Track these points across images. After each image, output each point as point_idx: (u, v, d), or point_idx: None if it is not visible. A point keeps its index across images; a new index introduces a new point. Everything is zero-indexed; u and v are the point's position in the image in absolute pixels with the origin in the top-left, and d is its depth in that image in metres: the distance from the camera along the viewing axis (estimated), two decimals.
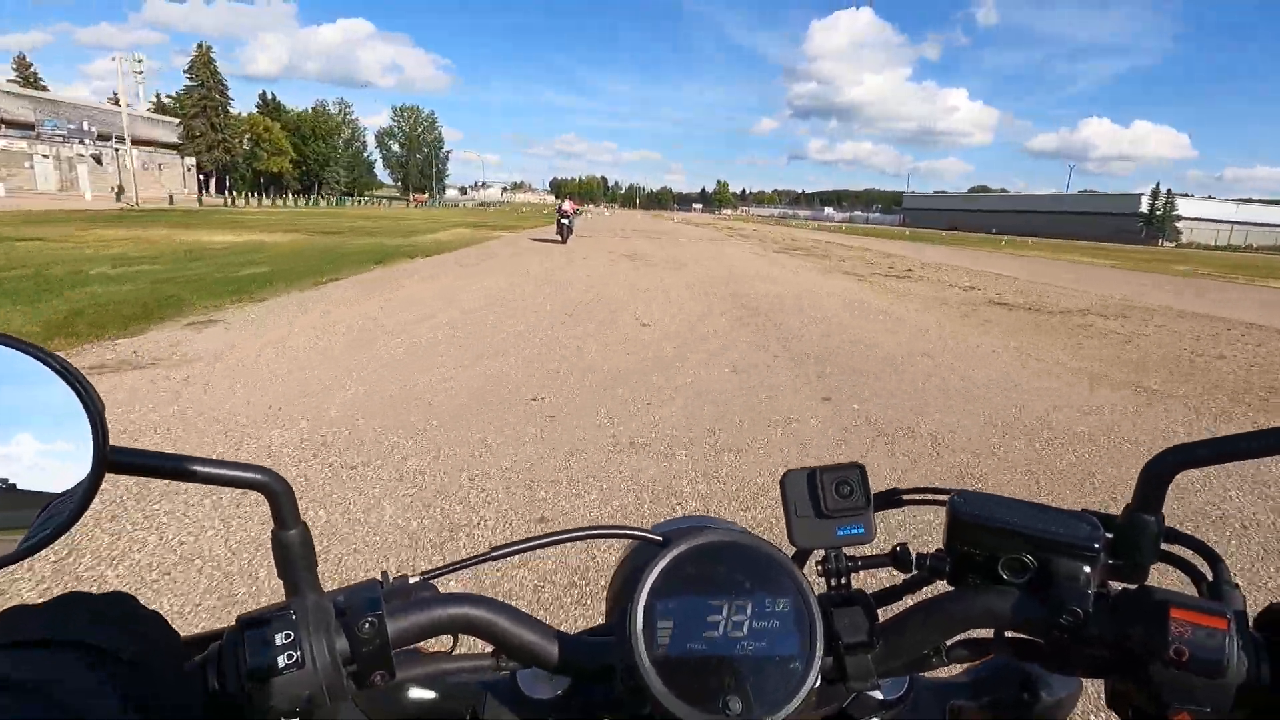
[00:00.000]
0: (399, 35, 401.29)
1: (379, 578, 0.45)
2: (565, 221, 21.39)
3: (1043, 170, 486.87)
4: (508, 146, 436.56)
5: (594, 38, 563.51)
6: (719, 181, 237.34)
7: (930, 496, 0.51)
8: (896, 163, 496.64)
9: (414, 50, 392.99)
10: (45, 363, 0.34)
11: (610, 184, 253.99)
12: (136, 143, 60.29)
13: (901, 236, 52.31)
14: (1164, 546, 0.44)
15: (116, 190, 49.81)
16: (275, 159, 76.70)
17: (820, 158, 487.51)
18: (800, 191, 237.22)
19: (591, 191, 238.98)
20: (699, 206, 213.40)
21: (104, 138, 54.13)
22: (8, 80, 67.53)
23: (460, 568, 0.48)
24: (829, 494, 0.48)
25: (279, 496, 0.41)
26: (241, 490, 0.67)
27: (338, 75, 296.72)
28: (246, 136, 74.86)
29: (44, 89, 73.37)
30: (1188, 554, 0.46)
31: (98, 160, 53.03)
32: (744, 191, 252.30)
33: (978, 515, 0.44)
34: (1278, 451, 0.39)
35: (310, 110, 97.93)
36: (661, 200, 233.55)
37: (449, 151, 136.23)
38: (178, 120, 67.74)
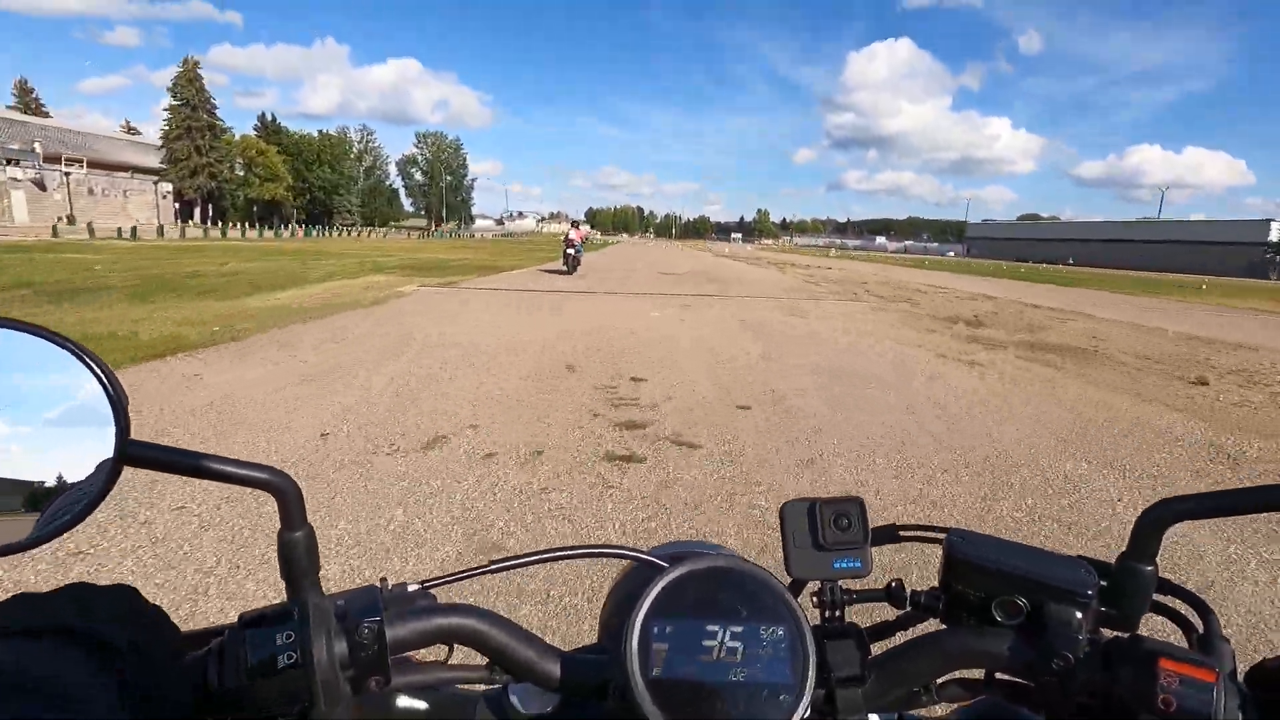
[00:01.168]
0: (445, 73, 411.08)
1: (378, 584, 0.45)
2: (571, 251, 19.47)
3: (1090, 198, 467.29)
4: (549, 178, 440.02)
5: (635, 71, 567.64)
6: (759, 210, 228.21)
7: (928, 534, 0.51)
8: (938, 192, 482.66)
9: (459, 87, 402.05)
10: (75, 354, 0.36)
11: (645, 213, 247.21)
12: (103, 166, 53.85)
13: (977, 270, 41.85)
14: (1156, 597, 0.44)
15: (67, 218, 43.15)
16: (269, 185, 69.88)
17: (859, 187, 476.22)
18: (846, 220, 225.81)
19: (626, 221, 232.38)
20: (738, 236, 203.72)
21: (54, 160, 47.47)
22: (6, 107, 62.83)
23: (459, 578, 0.48)
24: (828, 527, 0.48)
25: (287, 497, 0.42)
26: None
27: (389, 112, 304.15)
28: (238, 161, 68.37)
29: (45, 114, 68.94)
30: (1181, 605, 0.46)
31: (39, 185, 46.00)
32: (784, 220, 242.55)
33: (973, 556, 0.44)
34: (1275, 508, 0.39)
35: (316, 134, 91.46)
36: (699, 229, 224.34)
37: (474, 180, 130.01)
38: (159, 144, 61.51)
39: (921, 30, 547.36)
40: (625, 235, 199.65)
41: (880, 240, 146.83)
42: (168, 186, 60.32)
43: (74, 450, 0.37)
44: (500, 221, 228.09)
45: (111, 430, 0.36)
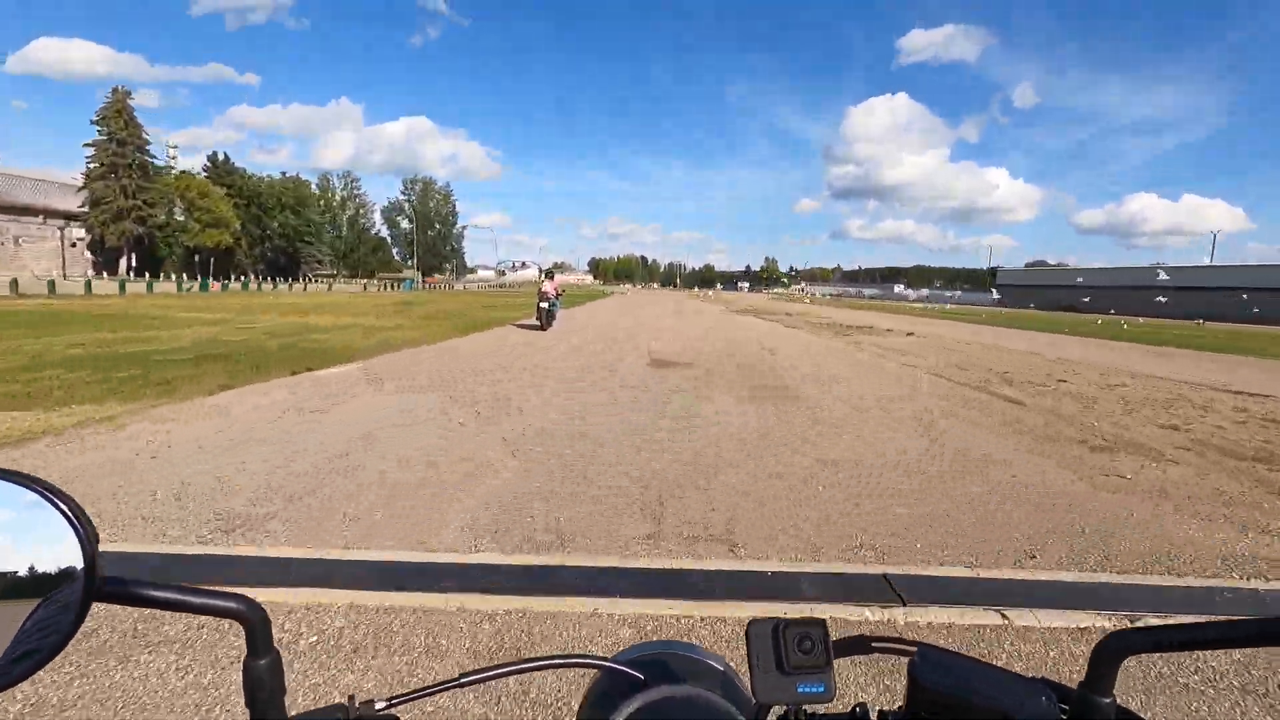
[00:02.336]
0: (455, 130, 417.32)
1: (346, 702, 0.45)
2: (545, 305, 17.07)
3: (1091, 245, 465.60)
4: (556, 230, 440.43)
5: (640, 126, 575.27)
6: (767, 258, 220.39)
7: (895, 646, 0.51)
8: (939, 239, 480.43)
9: (468, 143, 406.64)
10: (44, 495, 0.37)
11: (649, 262, 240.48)
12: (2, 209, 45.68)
13: (1049, 325, 32.17)
14: None
15: None
16: (212, 231, 61.53)
17: (861, 235, 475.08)
18: (857, 268, 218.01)
19: (629, 270, 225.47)
20: (745, 285, 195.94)
21: None
22: None
23: (428, 694, 0.48)
24: (791, 649, 0.48)
25: (254, 625, 0.42)
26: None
27: (400, 167, 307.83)
28: (177, 204, 60.30)
29: None
30: None
31: None
32: (791, 268, 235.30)
33: (940, 685, 0.45)
34: (1227, 645, 0.39)
35: (278, 177, 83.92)
36: (706, 279, 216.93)
37: (464, 227, 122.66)
38: (80, 184, 53.63)
39: (917, 85, 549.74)
40: (628, 285, 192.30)
41: (899, 289, 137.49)
42: (80, 232, 52.04)
43: (43, 591, 0.37)
44: (501, 272, 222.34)
45: (80, 569, 0.37)
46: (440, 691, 0.47)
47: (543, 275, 19.24)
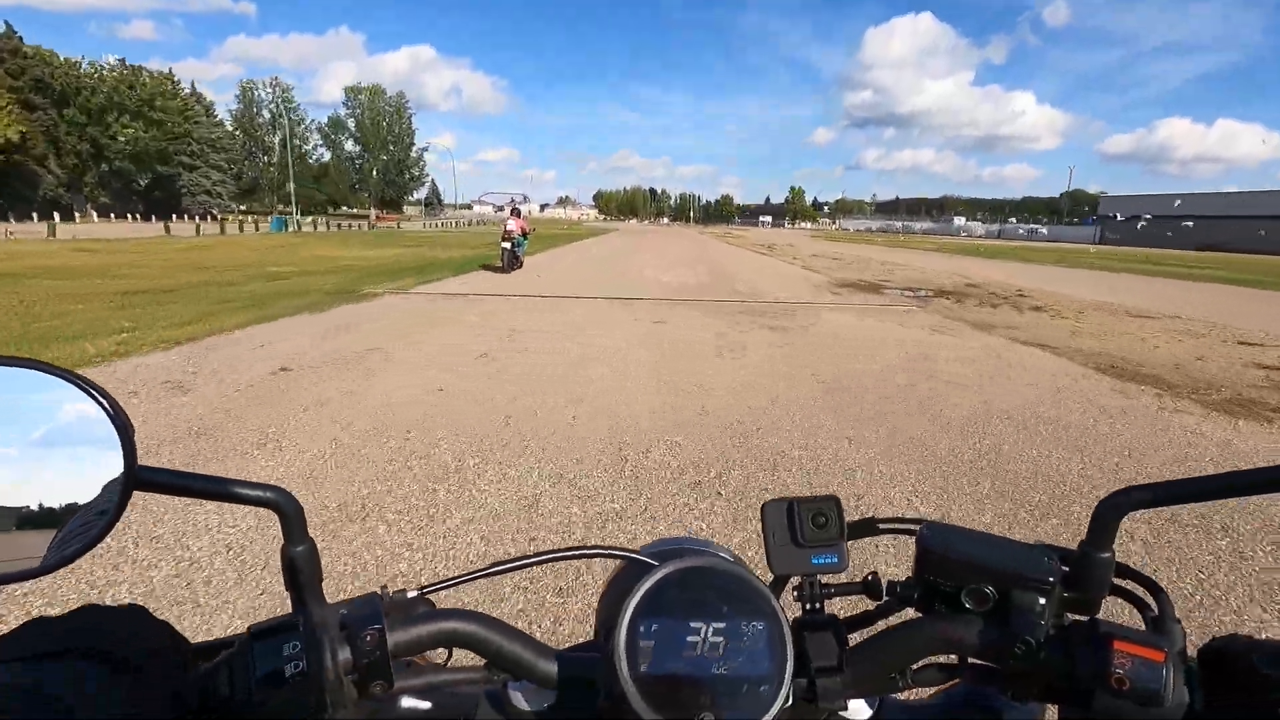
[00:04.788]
0: (459, 60, 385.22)
1: (379, 591, 0.47)
2: (508, 245, 15.09)
3: (1117, 174, 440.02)
4: (564, 163, 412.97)
5: (650, 55, 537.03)
6: (792, 188, 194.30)
7: (902, 526, 0.53)
8: (959, 170, 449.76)
9: (473, 74, 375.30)
10: (79, 386, 0.37)
11: (657, 194, 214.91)
12: None
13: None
14: (1116, 581, 0.46)
15: None
16: None
17: (878, 166, 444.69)
18: (896, 198, 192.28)
19: (634, 204, 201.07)
20: (767, 220, 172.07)
21: None
22: None
23: (457, 583, 0.50)
24: (805, 524, 0.50)
25: (289, 514, 0.44)
26: None
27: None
28: None
29: None
30: (1139, 589, 0.48)
31: None
32: (815, 201, 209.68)
33: (944, 549, 0.47)
34: (1224, 495, 0.41)
35: (116, 66, 60.51)
36: (723, 212, 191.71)
37: (424, 149, 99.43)
38: None
39: (943, 3, 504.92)
40: (634, 221, 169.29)
41: (960, 222, 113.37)
42: None
43: (84, 479, 0.38)
44: (500, 209, 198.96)
45: (119, 456, 0.37)
46: (470, 580, 0.49)
47: (509, 212, 16.08)
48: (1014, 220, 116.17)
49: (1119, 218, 77.84)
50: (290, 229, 42.00)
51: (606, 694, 0.45)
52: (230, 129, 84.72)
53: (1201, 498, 0.42)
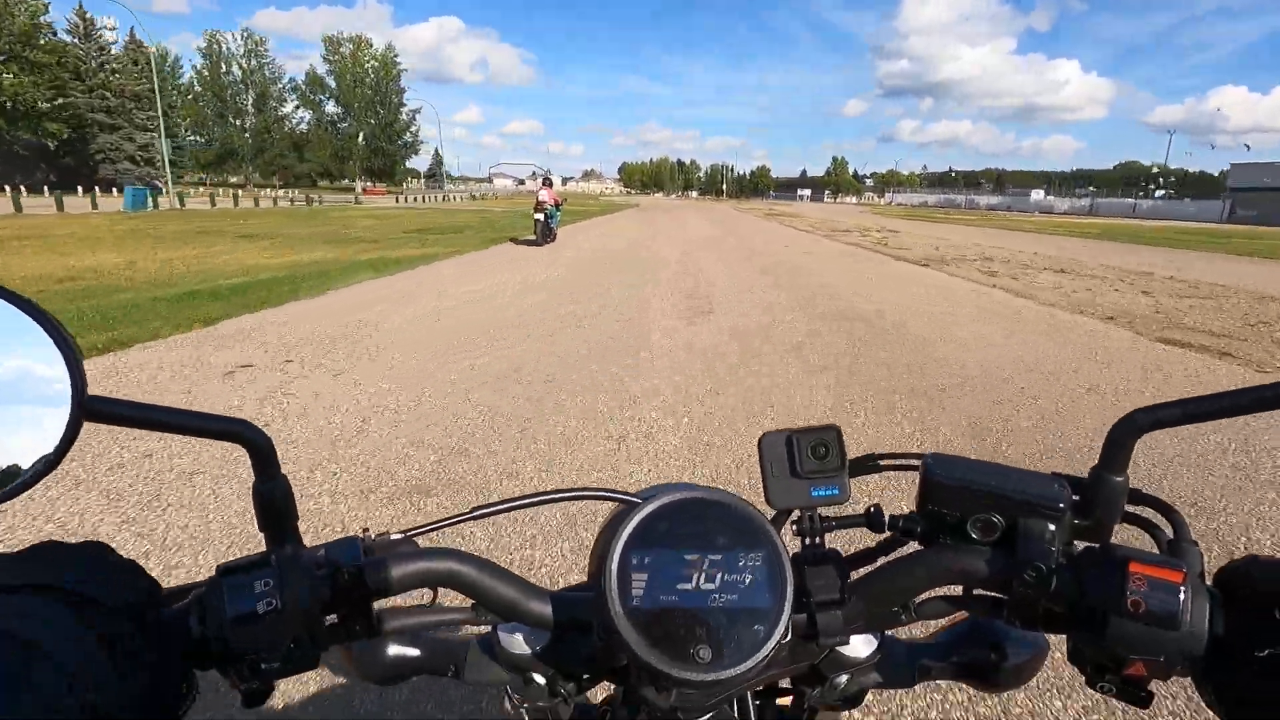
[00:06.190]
0: (486, 30, 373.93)
1: (360, 534, 0.45)
2: (540, 217, 15.06)
3: (1164, 146, 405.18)
4: (588, 137, 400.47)
5: (677, 23, 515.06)
6: (834, 159, 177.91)
7: (905, 461, 0.51)
8: (995, 141, 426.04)
9: (499, 45, 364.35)
10: (27, 312, 0.34)
11: (685, 165, 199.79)
12: None
13: None
14: (1128, 507, 0.45)
15: None
16: None
17: (913, 139, 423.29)
18: (949, 171, 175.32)
19: (660, 177, 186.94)
20: (805, 194, 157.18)
21: None
22: None
23: (442, 525, 0.48)
24: (805, 456, 0.48)
25: (260, 449, 0.41)
26: None
27: (428, 73, 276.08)
28: None
29: None
30: (1152, 514, 0.46)
31: None
32: (855, 173, 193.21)
33: (949, 477, 0.45)
34: (1241, 411, 0.39)
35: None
36: (758, 185, 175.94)
37: (417, 110, 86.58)
38: None
39: None
40: (660, 194, 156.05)
41: (1038, 196, 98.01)
42: None
43: (29, 409, 0.35)
44: (521, 182, 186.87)
45: (68, 387, 0.34)
46: (453, 524, 0.47)
47: (541, 183, 16.39)
48: (1090, 191, 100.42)
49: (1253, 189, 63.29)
50: (164, 204, 30.65)
51: (600, 631, 0.43)
52: (197, 87, 73.87)
53: (1219, 415, 0.40)
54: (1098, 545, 0.43)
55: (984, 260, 14.62)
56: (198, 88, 74.42)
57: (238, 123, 75.65)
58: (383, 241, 15.60)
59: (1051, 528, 0.42)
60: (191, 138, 77.27)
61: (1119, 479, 0.43)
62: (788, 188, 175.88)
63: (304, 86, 79.15)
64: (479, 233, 18.93)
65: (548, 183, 15.83)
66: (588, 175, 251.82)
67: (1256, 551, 0.50)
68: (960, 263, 13.92)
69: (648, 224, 27.76)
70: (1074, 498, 0.43)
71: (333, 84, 78.83)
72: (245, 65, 75.24)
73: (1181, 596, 0.38)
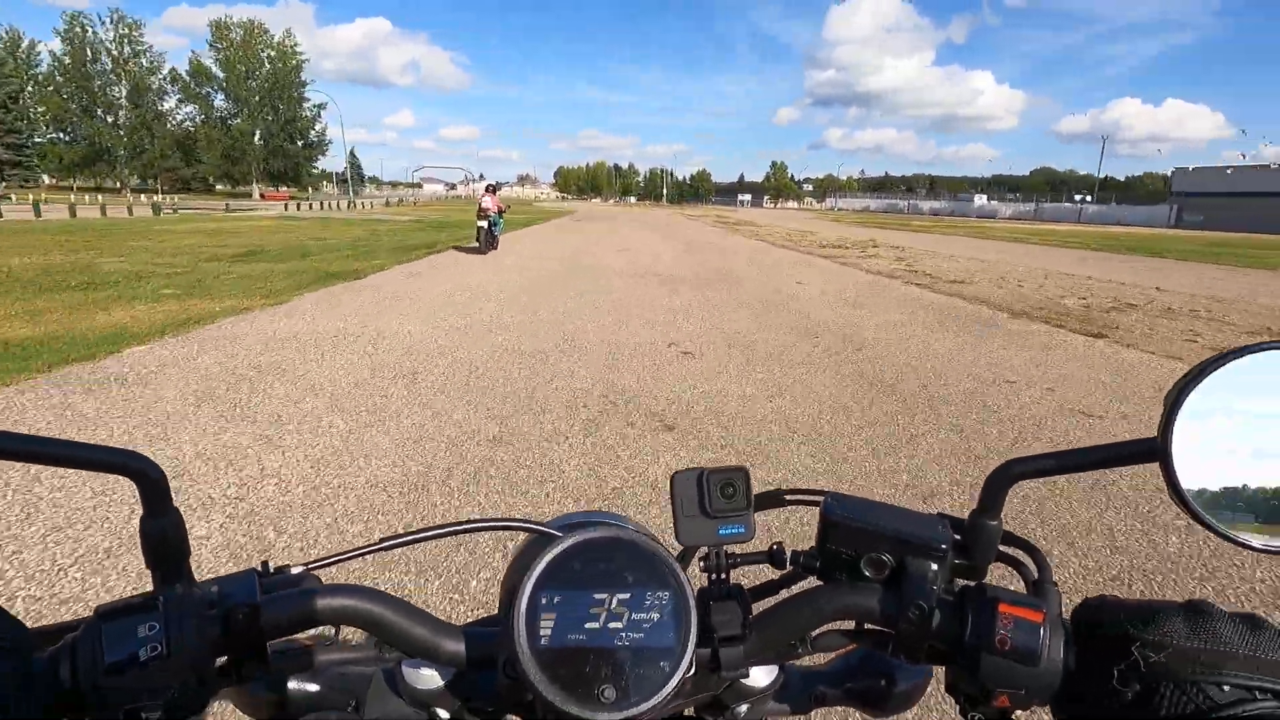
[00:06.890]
0: (416, 33, 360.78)
1: (257, 568, 0.44)
2: (483, 225, 14.96)
3: (1072, 153, 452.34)
4: (528, 143, 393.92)
5: (617, 32, 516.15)
6: (774, 164, 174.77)
7: (807, 497, 0.54)
8: (919, 149, 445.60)
9: (431, 48, 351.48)
10: None
11: (622, 170, 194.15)
12: None
13: None
14: (1002, 548, 0.48)
15: None
16: None
17: (840, 145, 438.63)
18: (885, 175, 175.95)
19: (597, 181, 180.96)
20: (746, 198, 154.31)
21: None
22: None
23: (348, 558, 0.47)
24: (714, 495, 0.49)
25: (150, 482, 0.39)
26: None
27: (356, 74, 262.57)
28: None
29: None
30: (1022, 555, 0.50)
31: None
32: (792, 176, 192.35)
33: (845, 517, 0.47)
34: (1110, 464, 0.43)
35: None
36: (699, 190, 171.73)
37: (321, 106, 76.50)
38: None
39: None
40: (595, 200, 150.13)
41: (982, 201, 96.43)
42: None
43: None
44: (453, 186, 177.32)
45: None
46: (359, 555, 0.46)
47: (485, 190, 16.28)
48: (1035, 196, 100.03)
49: (1190, 195, 62.46)
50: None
51: (505, 669, 0.43)
52: (59, 77, 63.60)
53: (1085, 468, 0.44)
54: (973, 584, 0.46)
55: (1123, 307, 9.40)
56: (59, 78, 64.15)
57: (109, 118, 65.67)
58: (111, 289, 9.07)
59: (934, 567, 0.45)
60: (52, 134, 66.74)
61: (994, 523, 0.47)
62: (728, 193, 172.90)
63: (186, 77, 69.53)
64: (318, 260, 12.57)
65: (491, 189, 15.98)
66: (523, 180, 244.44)
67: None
68: (1120, 312, 8.63)
69: (570, 234, 21.81)
70: (955, 538, 0.47)
71: (220, 75, 69.51)
72: (116, 53, 65.42)
73: (1041, 635, 0.41)
